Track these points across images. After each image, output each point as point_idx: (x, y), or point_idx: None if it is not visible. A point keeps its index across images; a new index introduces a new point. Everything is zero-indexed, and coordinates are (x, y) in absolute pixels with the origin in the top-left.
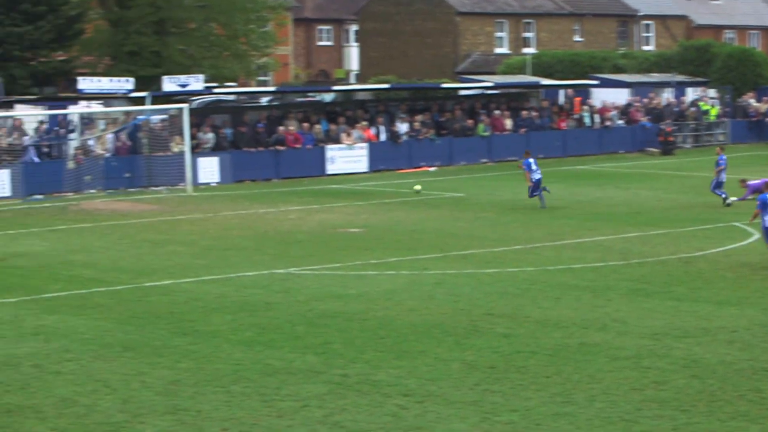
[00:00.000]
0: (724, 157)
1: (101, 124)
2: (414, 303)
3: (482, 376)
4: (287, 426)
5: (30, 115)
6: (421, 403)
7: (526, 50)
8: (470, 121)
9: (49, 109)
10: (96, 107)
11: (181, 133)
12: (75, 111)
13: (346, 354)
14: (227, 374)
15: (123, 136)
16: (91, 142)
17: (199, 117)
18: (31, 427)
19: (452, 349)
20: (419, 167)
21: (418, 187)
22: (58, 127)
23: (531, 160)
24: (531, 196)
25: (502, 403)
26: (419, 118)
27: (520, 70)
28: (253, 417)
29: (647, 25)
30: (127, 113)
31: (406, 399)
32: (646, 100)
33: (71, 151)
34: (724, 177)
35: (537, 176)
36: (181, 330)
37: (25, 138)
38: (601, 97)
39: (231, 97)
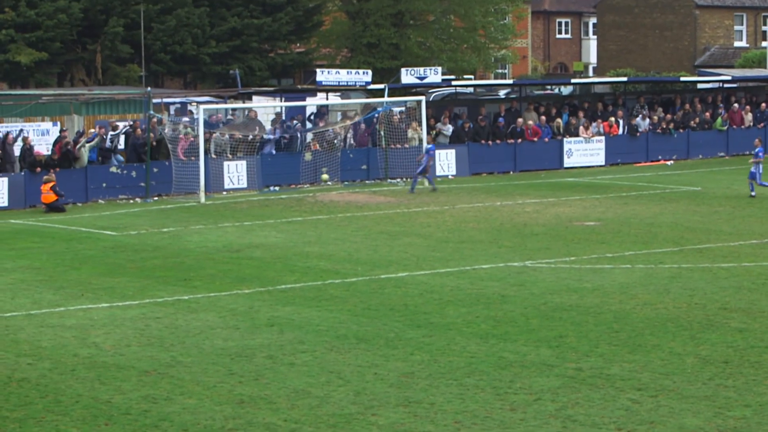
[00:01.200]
0: None
1: (338, 116)
2: (649, 297)
3: (716, 370)
4: (520, 419)
5: (268, 107)
6: (655, 398)
7: (765, 43)
8: (708, 114)
9: (287, 101)
10: (334, 99)
11: (418, 121)
12: (313, 103)
13: (580, 347)
14: (461, 367)
15: (363, 126)
16: (330, 132)
17: (437, 109)
18: (263, 418)
19: (686, 343)
20: (656, 161)
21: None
22: (295, 120)
23: (759, 148)
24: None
25: (735, 398)
26: (657, 111)
27: (758, 63)
28: (486, 410)
29: None
30: (364, 105)
31: (639, 393)
32: None
33: (305, 143)
34: None
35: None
36: (415, 322)
37: (267, 130)
38: None
39: (469, 90)
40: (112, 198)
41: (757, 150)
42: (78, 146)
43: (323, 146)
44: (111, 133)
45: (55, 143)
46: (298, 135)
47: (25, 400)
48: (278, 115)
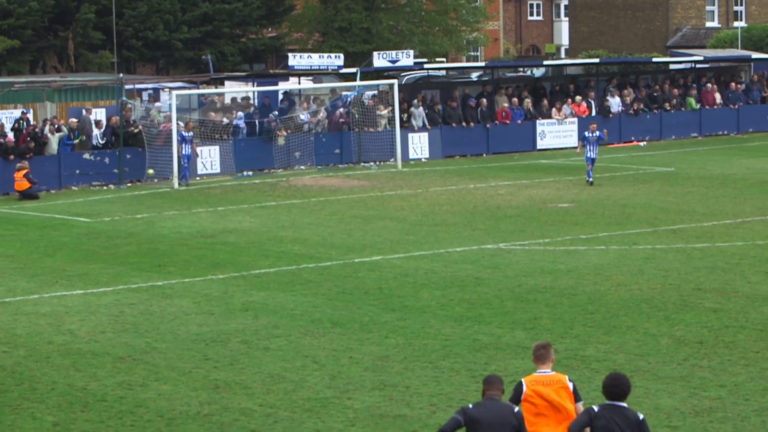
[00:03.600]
0: None
1: (311, 101)
2: (623, 278)
3: (691, 351)
4: None
5: (240, 92)
6: (630, 378)
7: (736, 23)
8: (676, 91)
9: (259, 85)
10: (306, 83)
11: (388, 104)
12: (285, 87)
13: (555, 329)
14: (436, 350)
15: (339, 111)
16: (303, 118)
17: (409, 93)
18: (239, 403)
19: (661, 324)
20: (629, 142)
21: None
22: (266, 104)
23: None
24: None
25: (710, 378)
26: (629, 92)
27: (730, 44)
28: (461, 392)
29: None
30: (336, 89)
31: None
32: None
33: (277, 128)
34: None
35: None
36: (389, 306)
37: (239, 115)
38: None
39: (441, 73)
40: (85, 185)
41: (592, 134)
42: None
43: (292, 130)
44: (97, 131)
45: (17, 130)
46: (272, 120)
47: (1, 388)
48: (245, 99)
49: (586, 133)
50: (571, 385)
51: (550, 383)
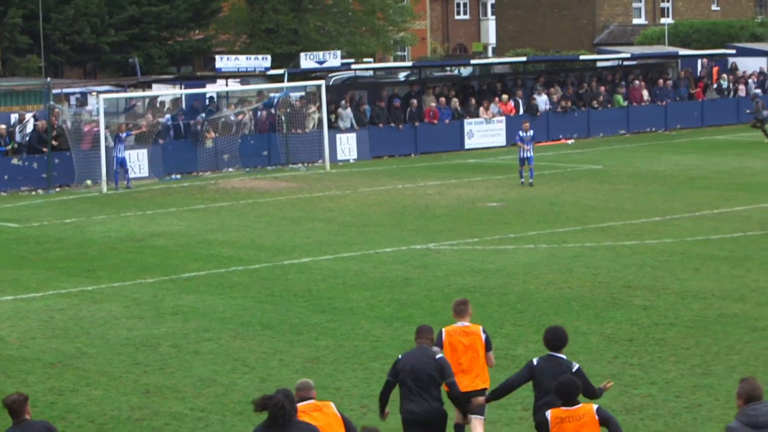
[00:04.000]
0: None
1: (237, 102)
2: (552, 276)
3: (621, 349)
4: None
5: (168, 95)
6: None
7: (663, 20)
8: (603, 88)
9: (187, 88)
10: (233, 85)
11: (317, 105)
12: (212, 90)
13: (485, 328)
14: (366, 351)
15: (264, 113)
16: (232, 118)
17: (337, 93)
18: (170, 407)
19: (591, 322)
20: (557, 140)
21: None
22: (194, 107)
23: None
24: None
25: (641, 375)
26: (557, 90)
27: (657, 40)
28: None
29: None
30: (264, 91)
31: None
32: None
33: (205, 130)
34: None
35: None
36: (319, 307)
37: (166, 117)
38: (739, 66)
39: (368, 73)
40: (13, 190)
41: (526, 133)
42: None
43: (220, 133)
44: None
45: None
46: (199, 122)
47: None
48: (174, 102)
49: (521, 133)
50: (484, 336)
51: (467, 333)
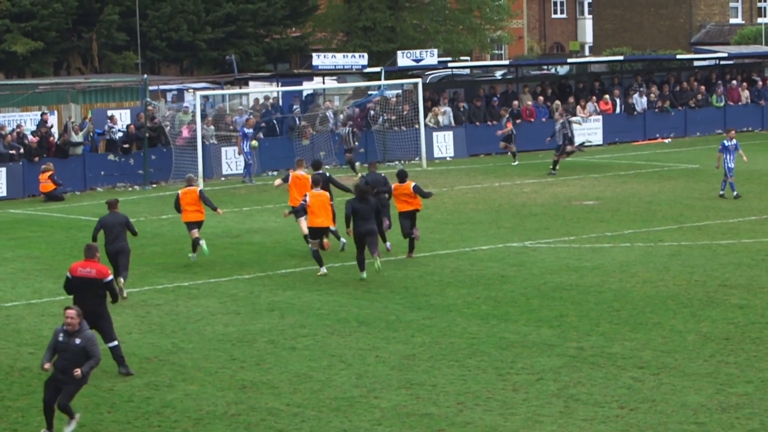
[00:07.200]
0: None
1: (336, 100)
2: (649, 275)
3: (717, 347)
4: (522, 399)
5: (264, 92)
6: (657, 375)
7: (760, 20)
8: (702, 88)
9: (283, 85)
10: (330, 83)
11: (415, 107)
12: (309, 87)
13: (581, 327)
14: (462, 348)
15: (358, 110)
16: (330, 115)
17: (434, 91)
18: (266, 403)
19: (687, 320)
20: (654, 139)
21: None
22: (292, 104)
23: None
24: None
25: (737, 374)
26: (654, 89)
27: (754, 40)
28: (488, 390)
29: None
30: (361, 89)
31: (641, 371)
32: None
33: (301, 128)
34: None
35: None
36: (415, 304)
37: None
38: None
39: (465, 71)
40: (110, 186)
41: (730, 142)
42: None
43: (317, 130)
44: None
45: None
46: (296, 120)
47: (28, 390)
48: (257, 101)
49: (725, 142)
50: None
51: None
